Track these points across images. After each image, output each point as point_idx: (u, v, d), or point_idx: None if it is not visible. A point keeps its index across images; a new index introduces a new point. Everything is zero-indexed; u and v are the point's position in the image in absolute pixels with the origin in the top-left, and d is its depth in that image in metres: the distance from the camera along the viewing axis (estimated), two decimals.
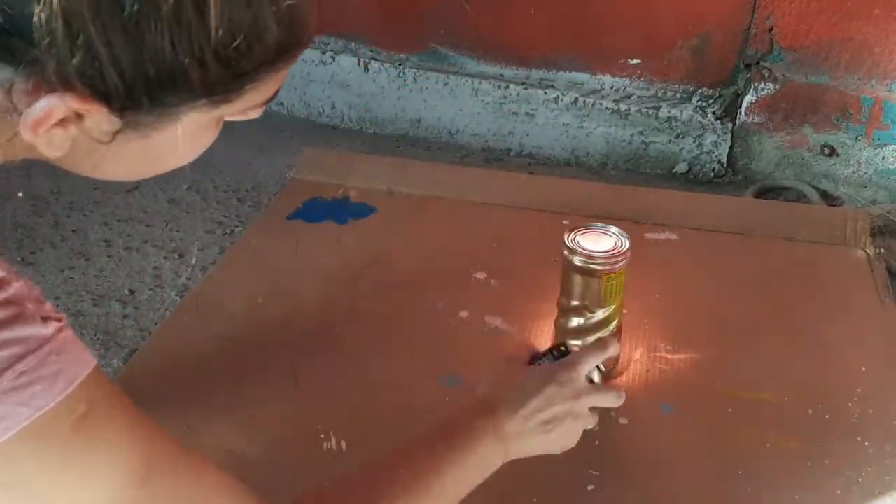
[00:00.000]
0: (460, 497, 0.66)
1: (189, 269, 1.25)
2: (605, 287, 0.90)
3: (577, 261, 0.88)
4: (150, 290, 1.20)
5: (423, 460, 0.64)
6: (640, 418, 0.92)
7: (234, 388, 0.96)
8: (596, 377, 0.78)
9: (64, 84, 0.38)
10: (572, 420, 0.73)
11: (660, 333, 1.04)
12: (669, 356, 1.00)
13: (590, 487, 0.83)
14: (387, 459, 0.65)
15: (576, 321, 0.93)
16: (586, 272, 0.89)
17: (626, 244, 0.89)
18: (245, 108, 0.46)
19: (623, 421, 0.91)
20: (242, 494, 0.57)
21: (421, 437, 0.67)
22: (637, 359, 1.00)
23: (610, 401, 0.77)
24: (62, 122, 0.40)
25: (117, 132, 0.42)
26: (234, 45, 0.40)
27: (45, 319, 0.44)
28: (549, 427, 0.71)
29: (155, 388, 0.97)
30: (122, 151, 0.44)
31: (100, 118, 0.41)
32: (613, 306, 0.92)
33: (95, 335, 1.11)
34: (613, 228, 0.91)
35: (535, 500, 0.83)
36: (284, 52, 0.43)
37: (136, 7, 0.37)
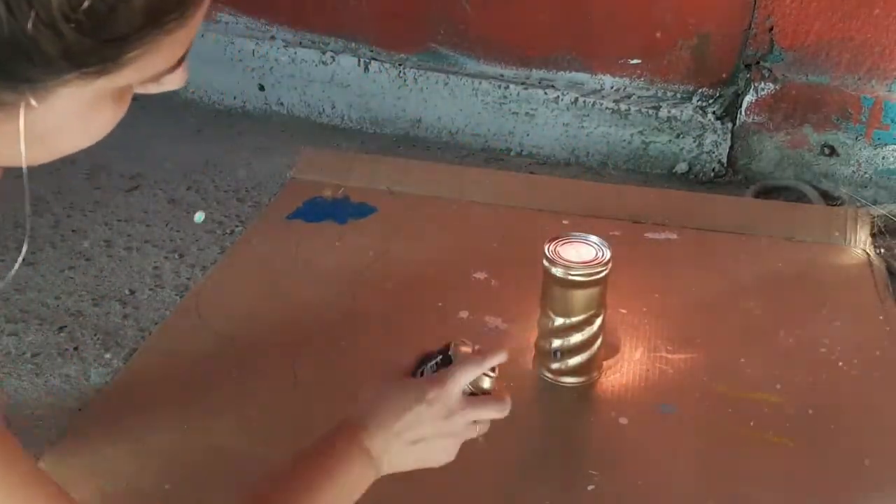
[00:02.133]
0: None
1: (189, 269, 1.25)
2: (585, 297, 0.90)
3: (556, 271, 0.88)
4: (150, 290, 1.20)
5: (299, 490, 0.62)
6: (640, 418, 0.92)
7: (234, 388, 0.96)
8: (486, 384, 0.70)
9: None
10: (442, 439, 0.67)
11: (660, 333, 1.04)
12: (669, 356, 1.00)
13: (590, 487, 0.83)
14: (259, 495, 0.63)
15: (558, 336, 0.93)
16: (565, 283, 0.89)
17: (608, 254, 0.89)
18: (142, 78, 0.40)
19: (623, 421, 0.91)
20: None
21: (294, 464, 0.65)
22: (637, 359, 1.00)
23: (493, 413, 0.70)
24: None
25: None
26: (86, 7, 0.33)
27: None
28: (419, 446, 0.67)
29: (155, 388, 0.97)
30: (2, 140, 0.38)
31: None
32: (595, 315, 0.92)
33: (95, 335, 1.11)
34: (594, 238, 0.91)
35: (535, 500, 0.83)
36: (160, 14, 0.36)
37: None
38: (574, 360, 0.94)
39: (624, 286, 1.09)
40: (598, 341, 0.94)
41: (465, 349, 0.71)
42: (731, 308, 1.09)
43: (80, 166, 1.54)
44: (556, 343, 0.93)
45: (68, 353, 1.08)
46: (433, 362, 0.71)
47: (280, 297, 1.11)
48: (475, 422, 0.69)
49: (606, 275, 0.89)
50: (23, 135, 0.38)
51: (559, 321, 0.92)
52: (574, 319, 0.91)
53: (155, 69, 0.39)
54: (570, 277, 0.88)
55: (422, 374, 0.70)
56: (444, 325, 1.06)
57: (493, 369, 0.70)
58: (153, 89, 0.43)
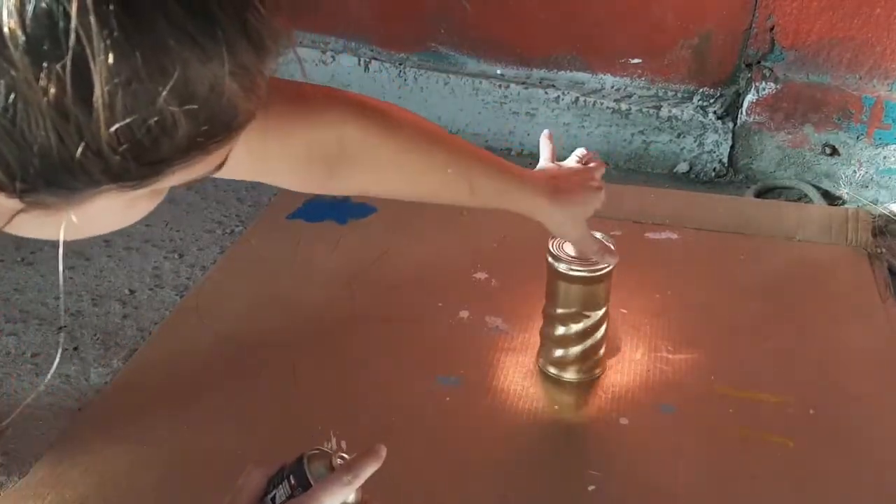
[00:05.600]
0: None
1: (189, 269, 1.25)
2: (590, 293, 0.90)
3: (561, 267, 0.89)
4: (150, 290, 1.20)
5: None
6: (640, 418, 0.91)
7: (234, 388, 0.96)
8: (352, 498, 0.60)
9: None
10: None
11: (660, 333, 1.04)
12: (670, 356, 1.00)
13: (590, 488, 0.83)
14: None
15: (562, 329, 0.93)
16: (570, 279, 0.89)
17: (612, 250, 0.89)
18: (179, 182, 0.40)
19: (623, 421, 0.91)
20: None
21: None
22: (637, 359, 1.00)
23: None
24: None
25: (21, 210, 0.37)
26: (134, 138, 0.34)
27: None
28: None
29: (155, 388, 0.97)
30: (39, 223, 0.40)
31: None
32: (599, 313, 0.92)
33: (95, 335, 1.11)
34: (598, 234, 0.91)
35: (535, 500, 0.83)
36: (205, 141, 0.37)
37: (11, 100, 0.32)
38: (577, 355, 0.94)
39: (624, 286, 1.08)
40: (602, 338, 0.94)
41: (320, 462, 0.60)
42: (731, 308, 1.09)
43: None
44: (559, 336, 0.93)
45: (68, 353, 1.08)
46: (284, 483, 0.59)
47: (280, 297, 1.11)
48: None
49: (610, 271, 0.89)
50: (62, 236, 0.40)
51: (563, 317, 0.92)
52: (578, 315, 0.91)
53: (192, 176, 0.40)
54: (574, 273, 0.88)
55: (272, 499, 0.59)
56: (445, 325, 1.06)
57: (342, 456, 0.61)
58: (187, 183, 0.43)
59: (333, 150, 0.71)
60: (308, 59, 1.80)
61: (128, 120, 0.33)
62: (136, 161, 0.35)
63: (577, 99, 1.68)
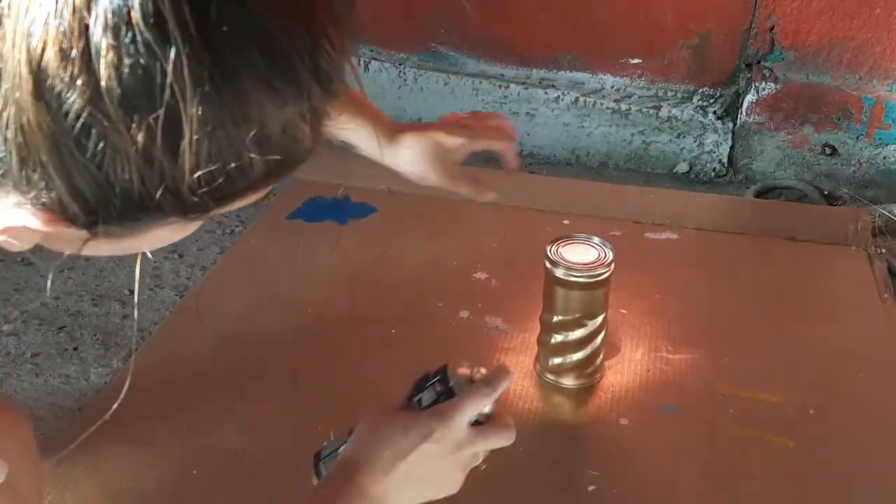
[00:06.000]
0: None
1: (189, 269, 1.25)
2: (588, 299, 0.90)
3: (559, 273, 0.88)
4: (150, 290, 1.20)
5: None
6: (640, 418, 0.91)
7: (234, 388, 0.96)
8: (488, 408, 0.66)
9: (23, 204, 0.36)
10: (449, 472, 0.65)
11: (660, 333, 1.04)
12: (670, 356, 1.00)
13: (590, 488, 0.83)
14: None
15: (560, 336, 0.93)
16: (569, 285, 0.88)
17: (610, 256, 0.89)
18: (231, 210, 0.43)
19: (623, 421, 0.91)
20: None
21: None
22: (637, 359, 1.00)
23: (501, 442, 0.67)
24: (26, 229, 0.38)
25: (87, 240, 0.40)
26: (212, 180, 0.36)
27: None
28: (425, 482, 0.64)
29: (155, 388, 0.97)
30: (93, 246, 0.42)
31: (66, 230, 0.38)
32: (598, 320, 0.91)
33: (95, 335, 1.11)
34: (597, 239, 0.91)
35: (535, 500, 0.83)
36: (274, 178, 0.40)
37: (100, 147, 0.33)
38: (576, 362, 0.94)
39: (624, 286, 1.09)
40: (600, 344, 0.94)
41: (464, 371, 0.68)
42: (731, 308, 1.09)
43: None
44: (557, 342, 0.93)
45: (68, 353, 1.08)
46: (431, 386, 0.66)
47: (280, 297, 1.11)
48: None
49: (609, 276, 0.89)
50: (126, 248, 0.43)
51: (561, 323, 0.91)
52: (576, 321, 0.91)
53: (245, 204, 0.42)
54: (573, 279, 0.88)
55: (419, 401, 0.66)
56: (445, 325, 1.06)
57: None
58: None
59: None
60: None
61: (211, 167, 0.35)
62: (211, 199, 0.37)
63: (577, 99, 1.68)
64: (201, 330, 1.05)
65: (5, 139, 0.34)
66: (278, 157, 0.37)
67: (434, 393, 0.66)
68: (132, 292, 1.20)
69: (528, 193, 1.34)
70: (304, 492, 0.65)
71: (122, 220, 0.37)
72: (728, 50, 1.57)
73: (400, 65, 1.79)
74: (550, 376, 0.96)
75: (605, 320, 0.92)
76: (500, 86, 1.72)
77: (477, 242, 1.22)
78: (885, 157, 1.53)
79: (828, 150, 1.56)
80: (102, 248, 0.42)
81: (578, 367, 0.94)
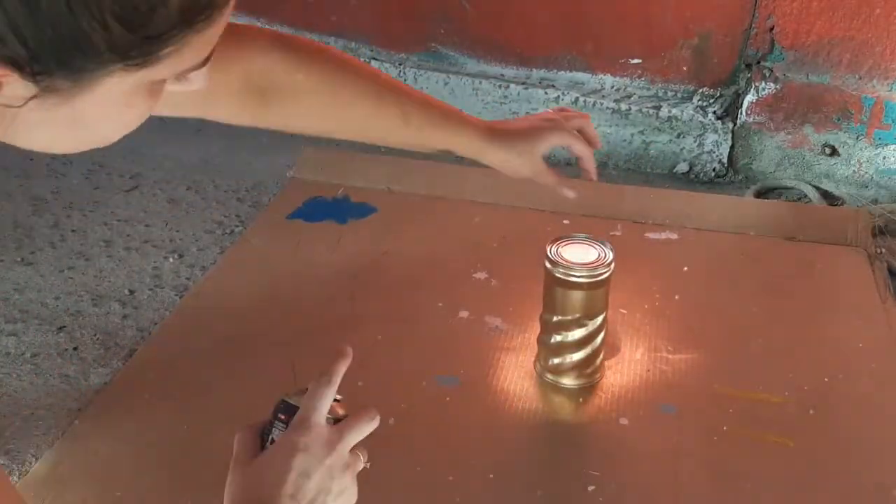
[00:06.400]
0: None
1: (189, 269, 1.25)
2: (588, 299, 0.90)
3: (559, 272, 0.88)
4: (150, 290, 1.20)
5: None
6: (640, 418, 0.91)
7: (234, 388, 0.96)
8: (342, 411, 0.64)
9: None
10: (337, 479, 0.62)
11: (660, 333, 1.04)
12: (670, 356, 1.00)
13: (590, 488, 0.83)
14: None
15: (559, 336, 0.93)
16: (569, 284, 0.88)
17: (610, 256, 0.89)
18: (174, 72, 0.46)
19: (623, 421, 0.91)
20: None
21: None
22: (637, 359, 1.00)
23: (367, 425, 0.65)
24: None
25: (34, 97, 0.42)
26: (134, 6, 0.40)
27: None
28: (321, 499, 0.60)
29: (155, 388, 0.97)
30: (46, 117, 0.44)
31: (15, 85, 0.41)
32: (598, 319, 0.91)
33: (95, 335, 1.11)
34: (596, 239, 0.91)
35: (535, 499, 0.83)
36: (193, 14, 0.43)
37: None
38: (575, 362, 0.94)
39: (624, 286, 1.09)
40: (600, 343, 0.94)
41: (298, 389, 0.65)
42: (731, 308, 1.09)
43: (79, 166, 1.54)
44: (557, 342, 0.93)
45: (68, 353, 1.08)
46: (276, 421, 0.63)
47: (280, 297, 1.11)
48: (354, 451, 0.64)
49: (609, 276, 0.89)
50: (77, 121, 0.45)
51: (561, 323, 0.91)
52: (576, 321, 0.91)
53: (185, 65, 0.45)
54: (572, 279, 0.88)
55: (272, 441, 0.63)
56: (445, 325, 1.06)
57: (336, 397, 0.64)
58: (180, 88, 0.48)
59: (264, 81, 0.74)
60: None
61: None
62: (136, 33, 0.41)
63: (577, 99, 1.68)
64: (201, 330, 1.05)
65: None
66: None
67: (282, 423, 0.63)
68: (132, 292, 1.20)
69: (528, 193, 1.34)
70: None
71: (61, 66, 0.41)
72: (728, 50, 1.57)
73: (400, 65, 1.79)
74: (550, 376, 0.96)
75: (604, 320, 0.92)
76: (500, 86, 1.72)
77: (477, 242, 1.22)
78: (884, 157, 1.53)
79: (828, 150, 1.56)
80: (54, 118, 0.44)
81: (578, 367, 0.94)
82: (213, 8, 0.43)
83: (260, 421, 0.64)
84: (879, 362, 1.00)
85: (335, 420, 0.64)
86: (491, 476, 0.85)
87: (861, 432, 0.90)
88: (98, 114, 0.46)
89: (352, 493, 0.63)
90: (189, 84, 0.48)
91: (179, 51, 0.44)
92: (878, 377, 0.97)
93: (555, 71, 1.70)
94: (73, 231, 1.35)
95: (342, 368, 0.65)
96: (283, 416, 0.63)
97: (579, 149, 0.88)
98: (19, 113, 0.43)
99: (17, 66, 0.40)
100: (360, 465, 0.65)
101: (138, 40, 0.41)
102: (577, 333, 0.91)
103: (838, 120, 1.53)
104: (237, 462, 0.62)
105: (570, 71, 1.69)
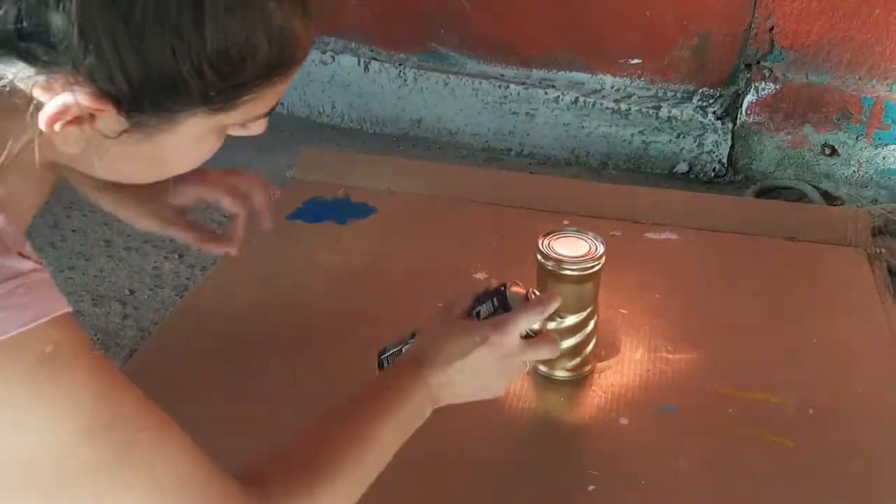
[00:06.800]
0: (398, 446, 0.68)
1: (189, 269, 1.25)
2: (578, 291, 0.90)
3: (550, 266, 0.89)
4: (150, 290, 1.20)
5: (358, 421, 0.67)
6: (640, 418, 0.91)
7: (234, 388, 0.96)
8: (537, 325, 0.74)
9: (78, 84, 0.43)
10: (499, 376, 0.73)
11: (660, 333, 1.04)
12: (670, 356, 1.00)
13: (590, 488, 0.83)
14: (323, 424, 0.68)
15: (551, 325, 0.93)
16: (560, 277, 0.89)
17: (601, 249, 0.89)
18: (244, 119, 0.51)
19: (623, 421, 0.91)
20: (200, 459, 0.59)
21: (357, 396, 0.70)
22: (637, 359, 1.00)
23: (546, 354, 0.75)
24: (76, 121, 0.45)
25: (124, 131, 0.46)
26: (228, 57, 0.45)
27: (22, 256, 0.45)
28: (477, 382, 0.72)
29: (155, 388, 0.96)
30: (129, 152, 0.49)
31: (109, 118, 0.45)
32: (588, 310, 0.92)
33: (95, 335, 1.11)
34: (589, 233, 0.91)
35: (535, 499, 0.83)
36: (276, 67, 0.48)
37: (142, 19, 0.42)
38: (566, 352, 0.94)
39: (624, 286, 1.08)
40: (591, 334, 0.94)
41: (518, 290, 0.76)
42: (731, 308, 1.09)
43: None
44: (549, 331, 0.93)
45: None
46: (489, 301, 0.74)
47: (280, 297, 1.11)
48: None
49: (599, 269, 0.89)
50: (156, 155, 0.50)
51: (551, 314, 0.92)
52: (566, 313, 0.91)
53: (254, 113, 0.51)
54: (563, 272, 0.88)
55: (478, 313, 0.74)
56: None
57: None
58: (240, 132, 0.54)
59: None
60: (308, 60, 1.80)
61: (227, 43, 0.44)
62: (226, 81, 0.46)
63: (576, 99, 1.68)
64: (201, 330, 1.05)
65: (69, 14, 0.41)
66: (278, 44, 0.47)
67: (491, 307, 0.74)
68: (132, 292, 1.20)
69: (528, 193, 1.34)
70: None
71: (155, 105, 0.45)
72: (728, 50, 1.57)
73: (400, 65, 1.79)
74: (543, 368, 0.96)
75: (593, 312, 0.93)
76: (500, 86, 1.72)
77: (477, 242, 1.22)
78: (884, 157, 1.53)
79: (827, 150, 1.56)
80: (136, 152, 0.49)
81: (569, 358, 0.94)
82: (292, 65, 0.50)
83: (488, 288, 0.76)
84: (879, 362, 0.99)
85: (526, 334, 0.73)
86: (490, 476, 0.85)
87: (861, 432, 0.90)
88: (174, 151, 0.51)
89: (503, 390, 0.74)
90: (248, 130, 0.54)
91: (255, 100, 0.49)
92: (878, 377, 0.97)
93: (555, 71, 1.70)
94: (73, 231, 1.35)
95: (554, 305, 0.75)
96: (496, 303, 0.74)
97: (228, 203, 0.89)
98: (104, 144, 0.47)
99: (117, 102, 0.44)
100: (522, 372, 0.75)
101: (226, 87, 0.47)
102: (568, 323, 0.91)
103: (838, 120, 1.53)
104: (445, 313, 0.76)
105: (570, 71, 1.69)
